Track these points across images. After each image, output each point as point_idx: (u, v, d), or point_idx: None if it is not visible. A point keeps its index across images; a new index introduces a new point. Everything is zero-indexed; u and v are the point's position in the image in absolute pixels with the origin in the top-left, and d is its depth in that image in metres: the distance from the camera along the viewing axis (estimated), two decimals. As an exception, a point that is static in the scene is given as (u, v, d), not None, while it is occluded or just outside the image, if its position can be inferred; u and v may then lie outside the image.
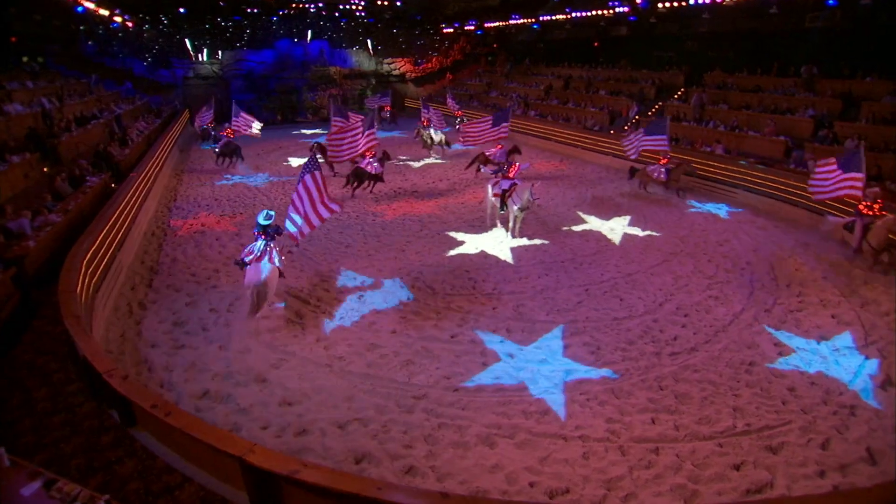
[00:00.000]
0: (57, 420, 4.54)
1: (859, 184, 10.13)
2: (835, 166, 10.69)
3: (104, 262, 8.20)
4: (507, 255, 10.56)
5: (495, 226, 12.04)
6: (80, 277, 6.74)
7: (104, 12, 19.26)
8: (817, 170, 11.32)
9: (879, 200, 9.73)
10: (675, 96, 21.63)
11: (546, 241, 11.34)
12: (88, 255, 7.42)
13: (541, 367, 6.92)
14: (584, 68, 27.65)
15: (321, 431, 5.49)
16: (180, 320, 7.86)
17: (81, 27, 25.12)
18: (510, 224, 11.33)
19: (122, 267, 9.15)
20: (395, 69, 34.77)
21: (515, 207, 10.93)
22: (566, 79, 27.52)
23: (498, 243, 11.20)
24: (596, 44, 28.47)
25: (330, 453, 5.16)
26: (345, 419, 5.68)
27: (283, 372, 6.54)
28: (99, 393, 4.58)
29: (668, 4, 19.14)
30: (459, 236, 11.61)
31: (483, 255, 10.54)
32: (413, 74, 35.09)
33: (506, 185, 11.13)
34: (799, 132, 16.16)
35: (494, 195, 11.52)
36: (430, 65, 35.72)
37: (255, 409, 5.82)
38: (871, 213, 9.61)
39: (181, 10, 26.62)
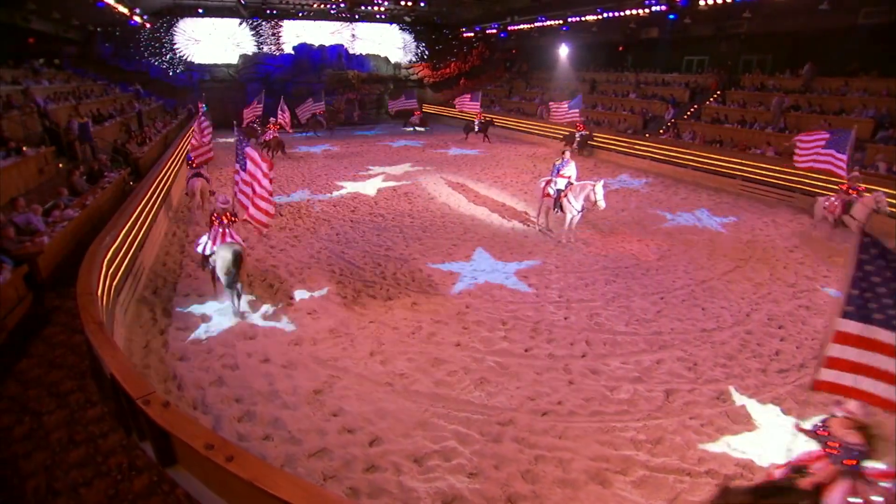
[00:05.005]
0: (75, 455, 3.55)
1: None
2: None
3: (125, 263, 7.26)
4: (565, 261, 9.55)
5: (548, 229, 11.06)
6: (101, 279, 5.79)
7: (124, 10, 18.61)
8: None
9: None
10: (712, 98, 20.72)
11: (603, 246, 10.35)
12: (109, 254, 6.48)
13: (637, 386, 5.89)
14: (610, 72, 26.92)
15: (395, 467, 4.46)
16: (212, 329, 6.88)
17: (98, 28, 24.60)
18: (566, 225, 10.32)
19: (144, 268, 8.21)
20: (412, 74, 34.10)
21: (574, 208, 9.94)
22: (591, 83, 26.75)
23: (553, 247, 10.21)
24: (621, 48, 27.72)
25: (411, 496, 4.13)
26: (422, 451, 4.65)
27: (338, 391, 5.52)
28: (129, 420, 3.59)
29: (709, 2, 18.19)
30: (509, 238, 10.62)
31: (540, 260, 9.52)
32: (431, 80, 34.43)
33: (561, 184, 10.13)
34: (857, 133, 15.10)
35: (545, 195, 10.53)
36: (448, 70, 35.06)
37: (309, 438, 4.80)
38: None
39: (199, 10, 26.07)
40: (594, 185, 9.69)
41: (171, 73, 27.86)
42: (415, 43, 34.09)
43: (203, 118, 12.27)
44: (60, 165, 10.60)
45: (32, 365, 4.86)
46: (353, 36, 32.13)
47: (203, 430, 2.93)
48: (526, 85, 31.01)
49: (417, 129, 26.52)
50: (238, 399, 5.38)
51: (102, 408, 4.05)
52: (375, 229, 11.15)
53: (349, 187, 15.15)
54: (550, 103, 22.43)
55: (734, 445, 5.00)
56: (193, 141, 11.90)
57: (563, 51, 28.79)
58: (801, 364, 6.50)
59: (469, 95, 24.37)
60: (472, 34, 32.87)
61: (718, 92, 20.80)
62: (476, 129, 23.49)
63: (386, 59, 33.33)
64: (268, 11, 28.10)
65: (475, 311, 7.43)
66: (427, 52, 34.50)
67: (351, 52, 31.99)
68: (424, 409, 5.25)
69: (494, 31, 28.90)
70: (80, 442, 3.67)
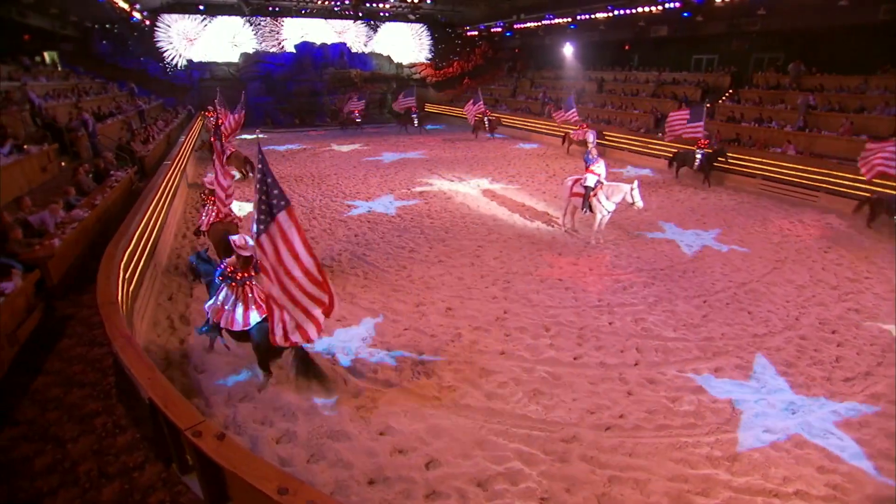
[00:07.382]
0: (108, 492, 3.08)
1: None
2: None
3: (140, 267, 6.77)
4: (598, 263, 9.14)
5: (573, 229, 10.64)
6: (119, 285, 5.31)
7: (124, 5, 18.04)
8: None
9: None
10: (725, 97, 20.42)
11: (633, 246, 9.95)
12: (125, 257, 5.99)
13: (699, 396, 5.48)
14: (618, 71, 26.58)
15: (459, 494, 4.01)
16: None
17: (96, 25, 23.99)
18: (595, 226, 9.91)
19: (158, 273, 7.71)
20: (415, 73, 33.66)
21: (604, 208, 9.52)
22: (599, 82, 26.41)
23: (583, 248, 9.81)
24: (627, 47, 27.40)
25: (483, 529, 3.69)
26: (485, 474, 4.21)
27: (382, 407, 5.06)
28: (169, 450, 3.11)
29: (725, -1, 17.90)
30: (536, 239, 10.20)
31: (571, 262, 9.11)
32: (434, 79, 34.00)
33: (591, 181, 9.70)
34: (878, 130, 14.83)
35: (574, 194, 10.10)
36: (451, 69, 34.65)
37: (359, 461, 4.34)
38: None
39: (200, 7, 25.50)
40: (631, 189, 9.30)
41: (169, 72, 27.25)
42: (418, 42, 33.65)
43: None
44: (63, 164, 10.06)
45: (49, 383, 4.36)
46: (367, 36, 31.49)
47: (273, 470, 2.47)
48: (531, 84, 30.64)
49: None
50: (274, 418, 4.91)
51: (134, 433, 3.58)
52: (395, 230, 10.69)
53: (360, 186, 14.68)
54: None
55: (818, 462, 4.60)
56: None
57: (568, 50, 28.43)
58: (866, 372, 6.13)
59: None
60: (475, 33, 32.46)
61: (731, 90, 20.51)
62: (697, 165, 15.43)
63: (388, 57, 32.87)
64: (270, 9, 27.55)
65: (514, 317, 6.99)
66: (430, 51, 34.08)
67: (354, 50, 31.51)
68: (480, 426, 4.81)
69: (500, 29, 28.49)
70: (114, 475, 3.19)
